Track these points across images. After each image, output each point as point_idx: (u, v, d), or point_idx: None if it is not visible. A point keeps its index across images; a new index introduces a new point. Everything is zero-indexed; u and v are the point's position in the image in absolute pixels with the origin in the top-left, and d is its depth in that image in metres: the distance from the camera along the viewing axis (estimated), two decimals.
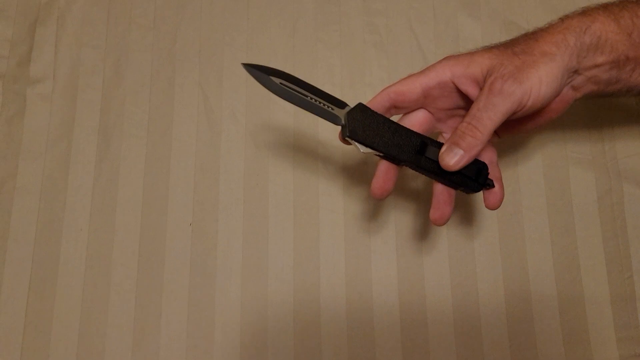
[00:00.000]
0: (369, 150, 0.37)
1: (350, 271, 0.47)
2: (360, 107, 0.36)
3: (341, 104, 0.36)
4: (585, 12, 0.37)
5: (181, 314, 0.46)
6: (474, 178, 0.37)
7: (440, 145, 0.37)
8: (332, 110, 0.36)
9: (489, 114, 0.34)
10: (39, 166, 0.49)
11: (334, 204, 0.48)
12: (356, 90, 0.51)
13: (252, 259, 0.47)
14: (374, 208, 0.48)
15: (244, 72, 0.51)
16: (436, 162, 0.37)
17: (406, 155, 0.36)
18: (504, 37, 0.51)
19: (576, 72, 0.36)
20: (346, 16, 0.53)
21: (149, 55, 0.51)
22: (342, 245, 0.48)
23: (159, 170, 0.49)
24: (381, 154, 0.37)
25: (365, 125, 0.36)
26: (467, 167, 0.36)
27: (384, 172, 0.38)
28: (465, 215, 0.48)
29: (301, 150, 0.50)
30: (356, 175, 0.49)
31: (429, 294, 0.47)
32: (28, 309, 0.46)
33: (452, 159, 0.35)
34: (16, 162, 0.49)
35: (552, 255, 0.48)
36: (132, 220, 0.48)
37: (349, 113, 0.36)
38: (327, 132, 0.50)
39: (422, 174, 0.38)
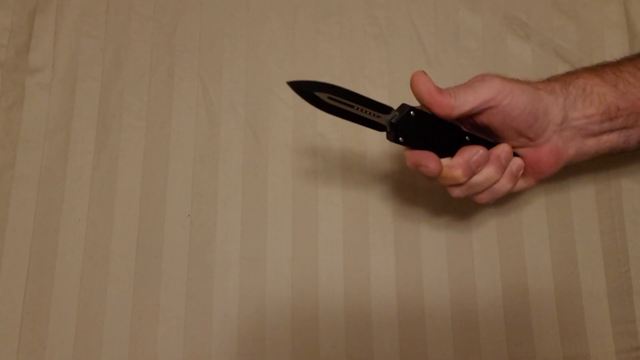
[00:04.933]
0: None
1: (349, 264, 0.47)
2: (406, 109, 0.36)
3: (386, 109, 0.36)
4: (567, 72, 0.39)
5: (179, 306, 0.46)
6: None
7: (482, 140, 0.38)
8: (377, 119, 0.35)
9: (467, 90, 0.35)
10: (37, 156, 0.49)
11: (332, 196, 0.48)
12: (356, 82, 0.51)
13: (250, 251, 0.47)
14: (373, 200, 0.49)
15: (243, 63, 0.51)
16: None
17: (451, 152, 0.37)
18: (504, 31, 0.52)
19: (564, 122, 0.37)
20: (347, 8, 0.52)
21: (148, 46, 0.51)
22: (341, 238, 0.48)
23: (157, 161, 0.49)
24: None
25: (411, 129, 0.36)
26: None
27: (426, 153, 0.37)
28: (464, 209, 0.48)
29: (300, 142, 0.50)
30: (355, 167, 0.49)
31: (426, 288, 0.47)
32: (25, 299, 0.46)
33: (427, 90, 0.35)
34: (14, 152, 0.49)
35: (549, 249, 0.48)
36: (131, 211, 0.48)
37: (394, 119, 0.35)
38: (327, 124, 0.50)
39: None
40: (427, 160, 0.36)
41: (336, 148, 0.50)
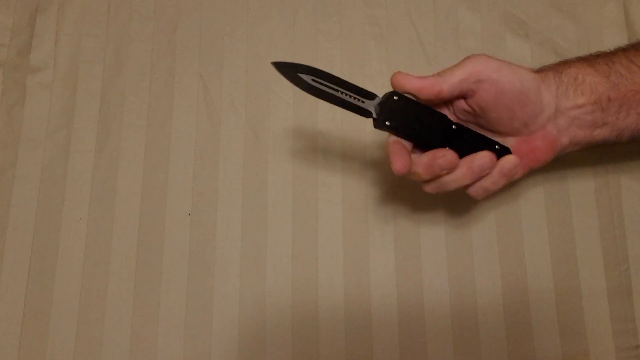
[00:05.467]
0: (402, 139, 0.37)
1: (348, 262, 0.47)
2: (390, 95, 0.36)
3: (371, 95, 0.36)
4: (560, 61, 0.39)
5: (179, 304, 0.46)
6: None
7: (468, 129, 0.38)
8: (362, 104, 0.36)
9: (452, 68, 0.36)
10: (38, 155, 0.49)
11: (332, 194, 0.49)
12: (356, 81, 0.50)
13: (250, 250, 0.47)
14: (373, 199, 0.49)
15: (244, 63, 0.51)
16: (465, 146, 0.37)
17: (437, 139, 0.37)
18: (503, 30, 0.52)
19: (557, 110, 0.37)
20: (346, 8, 0.53)
21: (149, 45, 0.52)
22: (341, 236, 0.48)
23: (158, 160, 0.49)
24: (413, 142, 0.37)
25: (396, 115, 0.36)
26: (490, 150, 0.37)
27: (399, 150, 0.37)
28: (463, 208, 0.49)
29: (300, 141, 0.50)
30: (355, 166, 0.49)
31: (426, 286, 0.47)
32: (27, 297, 0.46)
33: (411, 82, 0.36)
34: (16, 151, 0.49)
35: (549, 248, 0.48)
36: (131, 210, 0.48)
37: (378, 105, 0.36)
38: (327, 123, 0.50)
39: None
40: (396, 156, 0.36)
41: (336, 146, 0.50)
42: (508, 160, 0.37)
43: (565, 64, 0.39)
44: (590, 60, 0.39)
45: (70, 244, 0.47)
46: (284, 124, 0.50)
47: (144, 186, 0.48)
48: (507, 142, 0.39)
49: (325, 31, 0.52)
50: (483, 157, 0.36)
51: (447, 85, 0.35)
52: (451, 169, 0.36)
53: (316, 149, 0.50)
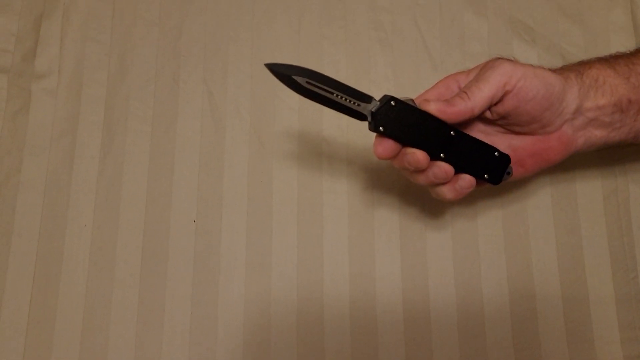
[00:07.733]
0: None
1: (354, 269, 0.47)
2: (387, 99, 0.35)
3: (368, 99, 0.35)
4: (581, 62, 0.39)
5: (184, 311, 0.46)
6: (495, 168, 0.38)
7: (467, 136, 0.37)
8: (357, 107, 0.35)
9: (479, 84, 0.36)
10: (43, 161, 0.49)
11: (338, 201, 0.48)
12: (361, 86, 0.50)
13: (255, 256, 0.47)
14: (378, 205, 0.48)
15: (248, 68, 0.51)
16: (463, 153, 0.37)
17: (433, 146, 0.36)
18: (509, 35, 0.52)
19: (577, 111, 0.37)
20: (352, 13, 0.52)
21: (154, 51, 0.51)
22: (346, 242, 0.47)
23: (163, 166, 0.49)
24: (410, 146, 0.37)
25: (392, 119, 0.35)
26: (488, 157, 0.37)
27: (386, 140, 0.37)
28: (470, 214, 0.48)
29: (306, 147, 0.50)
30: (360, 172, 0.49)
31: (432, 292, 0.47)
32: (31, 304, 0.46)
33: (435, 106, 0.35)
34: (20, 157, 0.49)
35: (556, 255, 0.47)
36: (136, 216, 0.48)
37: (374, 108, 0.35)
38: (332, 129, 0.50)
39: (445, 162, 0.37)
40: (379, 143, 0.36)
41: (341, 153, 0.49)
42: (464, 178, 0.38)
43: (586, 64, 0.39)
44: (611, 61, 0.39)
45: (75, 251, 0.47)
46: (289, 129, 0.50)
47: (148, 192, 0.48)
48: (523, 140, 0.39)
49: (331, 36, 0.52)
50: (442, 168, 0.37)
51: (478, 106, 0.35)
52: (417, 168, 0.37)
53: (321, 155, 0.49)
